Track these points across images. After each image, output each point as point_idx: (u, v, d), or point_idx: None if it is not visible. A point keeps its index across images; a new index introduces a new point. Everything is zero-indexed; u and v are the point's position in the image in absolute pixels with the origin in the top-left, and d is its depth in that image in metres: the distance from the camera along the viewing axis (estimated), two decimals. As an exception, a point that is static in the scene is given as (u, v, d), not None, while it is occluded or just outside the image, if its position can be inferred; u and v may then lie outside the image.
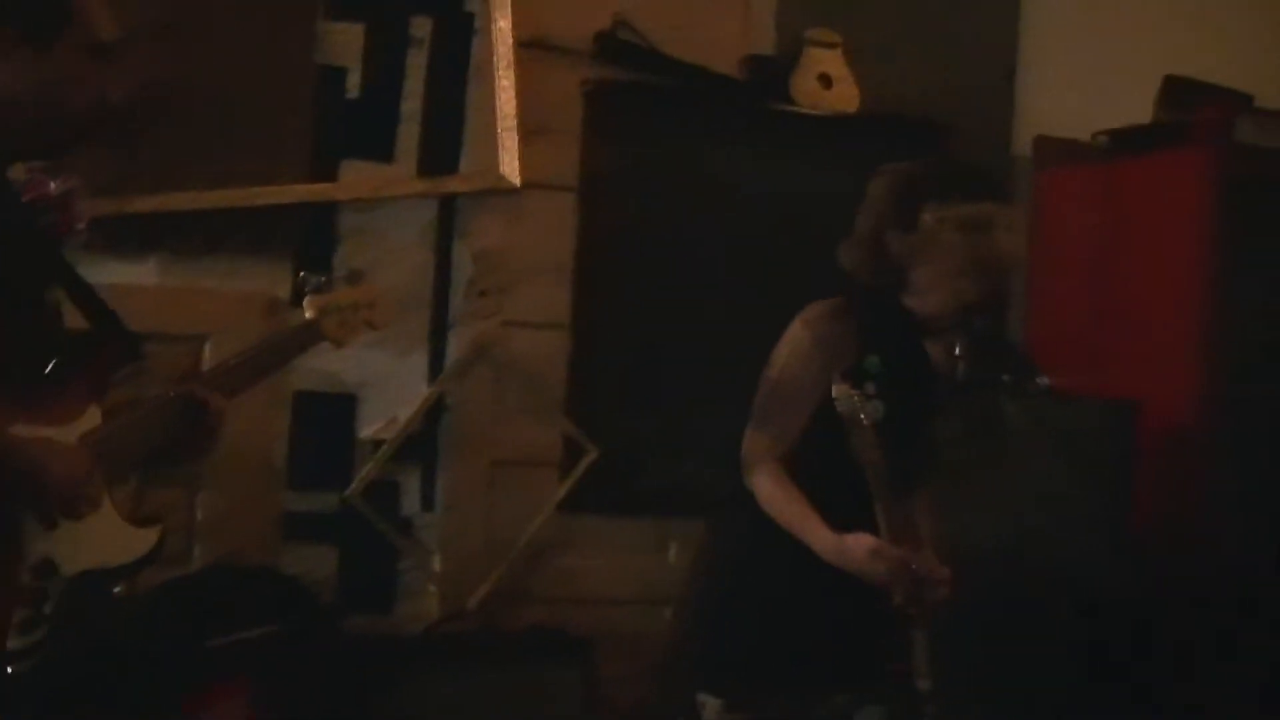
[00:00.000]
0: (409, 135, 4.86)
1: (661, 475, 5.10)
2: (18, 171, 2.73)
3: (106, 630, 3.19)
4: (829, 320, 3.31)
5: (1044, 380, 3.22)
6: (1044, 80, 5.73)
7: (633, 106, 5.09)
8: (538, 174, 4.94)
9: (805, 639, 3.29)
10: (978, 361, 3.30)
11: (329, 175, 4.77)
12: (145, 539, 2.75)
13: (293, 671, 4.23)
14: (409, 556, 4.84)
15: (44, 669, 2.55)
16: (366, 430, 4.81)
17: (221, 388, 2.83)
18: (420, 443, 4.87)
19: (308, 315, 3.11)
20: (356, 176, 4.80)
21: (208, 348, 4.51)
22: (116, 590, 2.83)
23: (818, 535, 3.19)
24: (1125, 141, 5.33)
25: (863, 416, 3.06)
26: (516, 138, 4.87)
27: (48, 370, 2.59)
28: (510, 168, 4.87)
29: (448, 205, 4.91)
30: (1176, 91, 5.29)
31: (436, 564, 4.88)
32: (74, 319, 2.72)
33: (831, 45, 5.28)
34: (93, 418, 2.66)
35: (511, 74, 4.86)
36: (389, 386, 4.82)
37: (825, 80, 5.27)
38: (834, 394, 3.09)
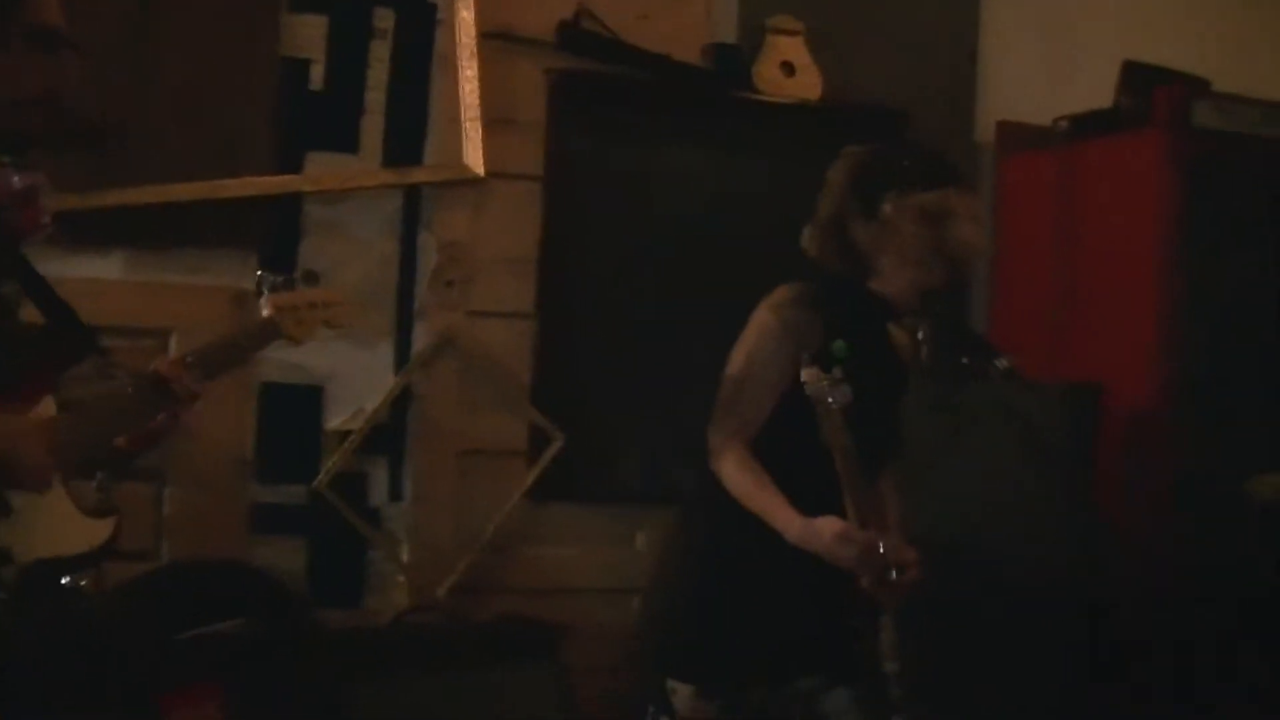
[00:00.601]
0: (373, 126, 4.86)
1: (629, 463, 5.13)
2: (-19, 168, 2.74)
3: (75, 625, 3.19)
4: (794, 305, 3.32)
5: (1004, 363, 3.23)
6: (1005, 66, 5.76)
7: (596, 96, 5.10)
8: (502, 164, 4.95)
9: (774, 623, 3.30)
10: (940, 345, 3.31)
11: (294, 167, 4.76)
12: (101, 529, 2.77)
13: (263, 664, 4.22)
14: (378, 547, 4.85)
15: (9, 665, 2.56)
16: (334, 421, 4.82)
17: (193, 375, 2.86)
18: (387, 433, 4.88)
19: (265, 313, 3.16)
20: (321, 168, 4.80)
21: (173, 342, 4.51)
22: (72, 580, 2.84)
23: (785, 519, 3.20)
24: (1086, 126, 5.35)
25: (830, 400, 3.07)
26: (481, 128, 4.87)
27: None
28: (475, 158, 4.88)
29: (413, 196, 4.91)
30: (1136, 76, 5.31)
31: (405, 554, 4.89)
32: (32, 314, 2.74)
33: (794, 33, 5.30)
34: (47, 408, 2.68)
35: (475, 64, 4.87)
36: (356, 378, 4.83)
37: (788, 68, 5.29)
38: (803, 377, 3.10)
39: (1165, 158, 4.98)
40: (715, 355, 3.41)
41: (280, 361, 4.62)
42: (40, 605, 2.71)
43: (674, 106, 5.23)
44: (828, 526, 3.15)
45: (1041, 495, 4.50)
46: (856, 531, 3.15)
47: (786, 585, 3.26)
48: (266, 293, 3.19)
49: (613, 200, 5.14)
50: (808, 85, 5.31)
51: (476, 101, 4.86)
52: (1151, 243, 4.96)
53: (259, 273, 3.26)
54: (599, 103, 5.10)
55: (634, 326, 5.14)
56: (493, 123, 4.91)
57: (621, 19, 5.12)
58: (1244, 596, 4.76)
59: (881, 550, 3.18)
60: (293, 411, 4.77)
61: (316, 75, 4.81)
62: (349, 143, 4.84)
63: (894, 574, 3.21)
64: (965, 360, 3.33)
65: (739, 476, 3.27)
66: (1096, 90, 5.39)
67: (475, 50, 4.87)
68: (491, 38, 4.93)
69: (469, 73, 4.87)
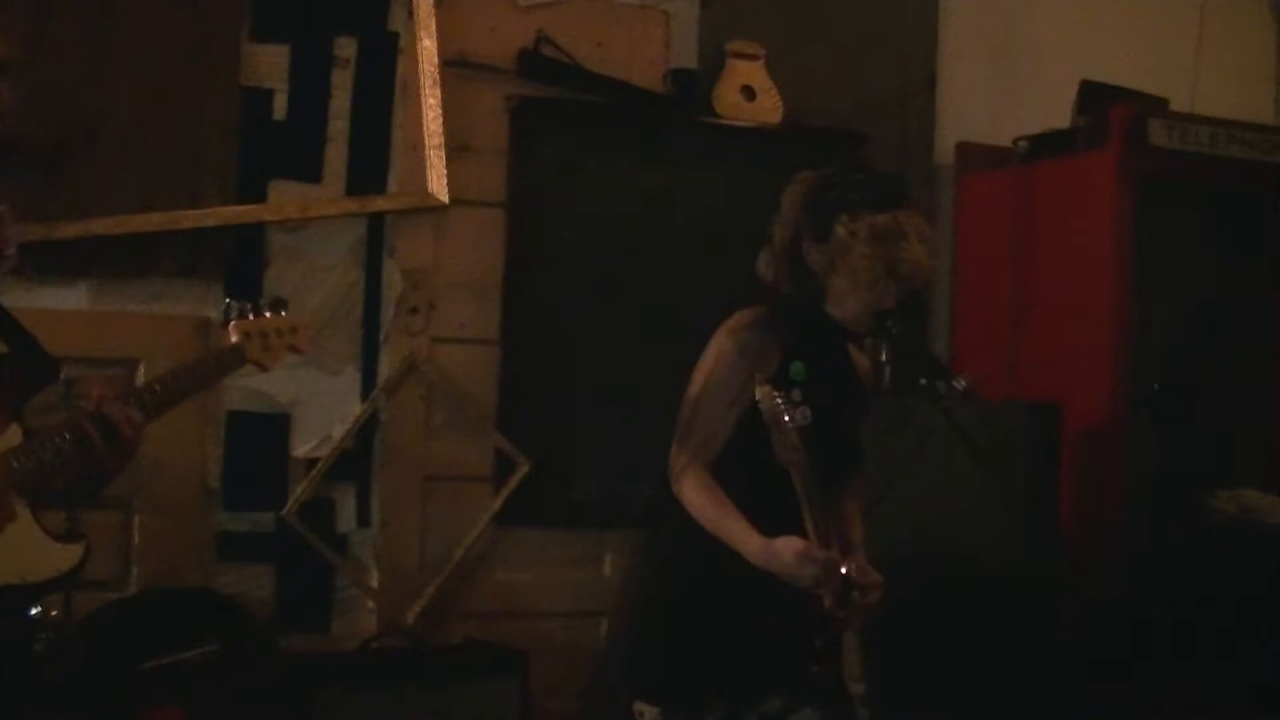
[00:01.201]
0: (336, 155, 4.89)
1: (594, 487, 5.14)
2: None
3: (43, 653, 3.20)
4: (752, 329, 3.34)
5: (962, 384, 3.26)
6: (964, 88, 5.81)
7: (557, 122, 5.13)
8: (465, 191, 4.98)
9: (739, 644, 3.31)
10: (899, 367, 3.34)
11: (257, 196, 4.78)
12: (68, 555, 2.78)
13: (231, 691, 4.23)
14: (345, 573, 4.86)
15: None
16: (300, 449, 4.82)
17: (144, 407, 2.86)
18: (354, 460, 4.89)
19: (232, 340, 3.17)
20: (285, 197, 4.81)
21: (140, 371, 4.52)
22: (41, 609, 2.85)
23: (746, 541, 3.21)
24: (1044, 146, 5.40)
25: (788, 419, 3.09)
26: (443, 155, 4.90)
27: None
28: (438, 185, 4.90)
29: (376, 223, 4.93)
30: (1093, 96, 5.36)
31: (373, 580, 4.90)
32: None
33: (754, 57, 5.34)
34: (13, 436, 2.70)
35: (437, 92, 4.89)
36: (322, 405, 4.84)
37: (748, 92, 5.32)
38: (757, 397, 3.12)
39: (1120, 176, 5.02)
40: (679, 378, 3.42)
41: (247, 389, 4.65)
42: (4, 632, 2.72)
43: (635, 132, 5.26)
44: (788, 547, 3.16)
45: (1002, 514, 4.53)
46: (817, 551, 3.15)
47: (750, 606, 3.27)
48: (233, 319, 3.21)
49: (575, 226, 5.16)
50: (768, 109, 5.34)
51: (439, 129, 4.89)
52: (1107, 260, 5.00)
53: (226, 300, 3.27)
54: (560, 129, 5.13)
55: (598, 351, 5.16)
56: (455, 150, 4.94)
57: (581, 45, 5.15)
58: (1202, 609, 4.80)
59: (843, 570, 3.20)
60: (259, 439, 4.78)
61: (279, 104, 4.83)
62: (312, 171, 4.86)
63: (856, 594, 3.23)
64: (924, 381, 3.34)
65: (699, 499, 3.28)
66: (1054, 110, 5.43)
67: (437, 78, 4.89)
68: (453, 65, 4.96)
69: (431, 100, 4.89)
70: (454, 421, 5.00)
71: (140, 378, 4.48)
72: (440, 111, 4.89)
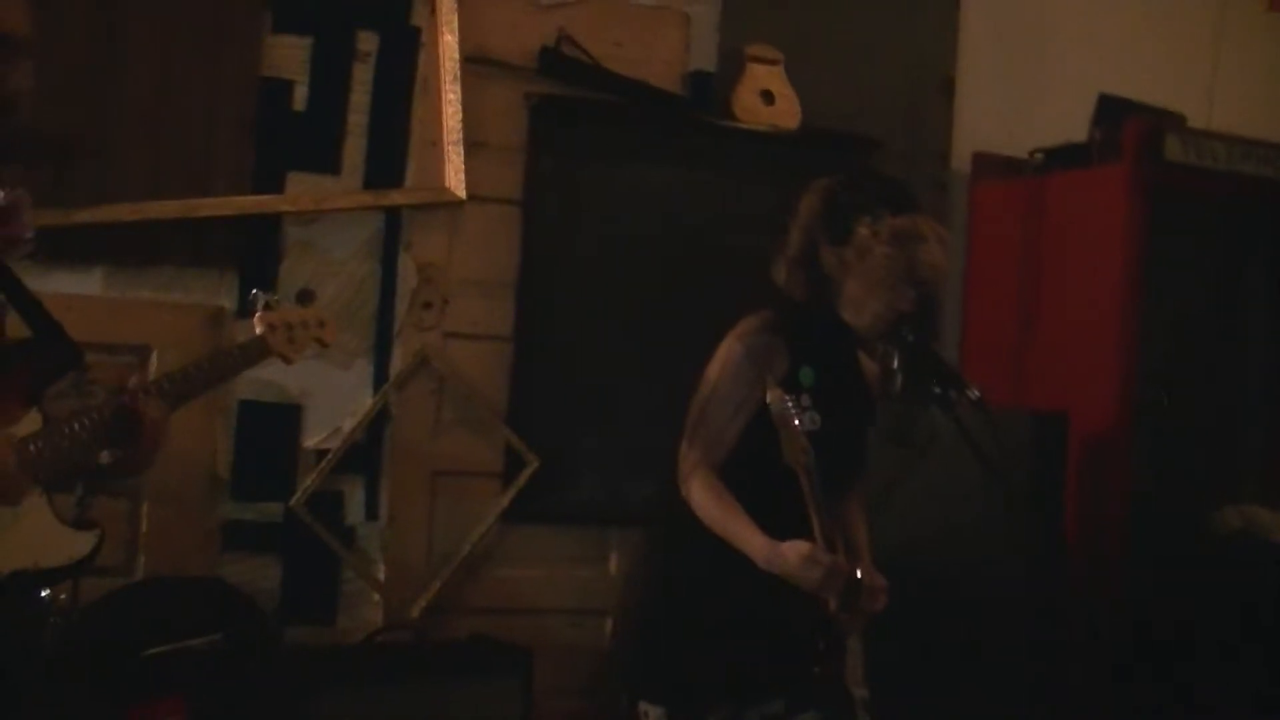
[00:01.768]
0: (354, 148, 4.89)
1: (602, 486, 5.15)
2: (-37, 186, 2.76)
3: (49, 639, 3.21)
4: (762, 334, 3.35)
5: (974, 393, 3.27)
6: (981, 98, 5.81)
7: (576, 121, 5.14)
8: (482, 187, 4.99)
9: (744, 647, 3.32)
10: (910, 373, 3.35)
11: (274, 187, 4.79)
12: (82, 542, 2.78)
13: (234, 681, 4.24)
14: (352, 566, 4.86)
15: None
16: (310, 440, 4.84)
17: (166, 397, 2.86)
18: (364, 453, 4.90)
19: (257, 331, 3.15)
20: (302, 188, 4.82)
21: (153, 358, 4.53)
22: (50, 593, 2.85)
23: (753, 543, 3.23)
24: (1060, 158, 5.41)
25: (797, 423, 3.10)
26: (461, 151, 4.91)
27: None
28: (455, 181, 4.91)
29: (393, 217, 4.94)
30: (1110, 110, 5.37)
31: (379, 573, 4.91)
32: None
33: (772, 62, 5.35)
34: (33, 422, 2.70)
35: (456, 88, 4.90)
36: (333, 397, 4.85)
37: (766, 96, 5.33)
38: (768, 400, 3.13)
39: (1134, 190, 5.03)
40: (689, 379, 3.44)
41: (258, 380, 4.65)
42: (14, 617, 2.73)
43: (652, 133, 5.27)
44: (794, 550, 3.18)
45: (1008, 522, 4.53)
46: (823, 554, 3.17)
47: (755, 608, 3.28)
48: (259, 310, 3.19)
49: (590, 225, 5.17)
50: (786, 113, 5.35)
51: (457, 125, 4.90)
52: (1118, 273, 5.01)
53: (252, 291, 3.26)
54: (578, 128, 5.14)
55: (610, 350, 5.17)
56: (473, 146, 4.94)
57: (602, 45, 5.16)
58: (1205, 620, 4.80)
59: (850, 574, 3.22)
60: (270, 430, 4.79)
61: (299, 96, 4.84)
62: (330, 164, 4.87)
63: (861, 598, 3.24)
64: (938, 390, 3.35)
65: (706, 501, 3.30)
66: (1070, 122, 5.44)
67: (457, 74, 4.90)
68: (473, 62, 4.97)
69: (450, 96, 4.90)
70: (464, 417, 5.01)
71: (153, 365, 4.50)
72: (459, 107, 4.91)
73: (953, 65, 5.77)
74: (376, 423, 4.90)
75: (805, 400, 3.13)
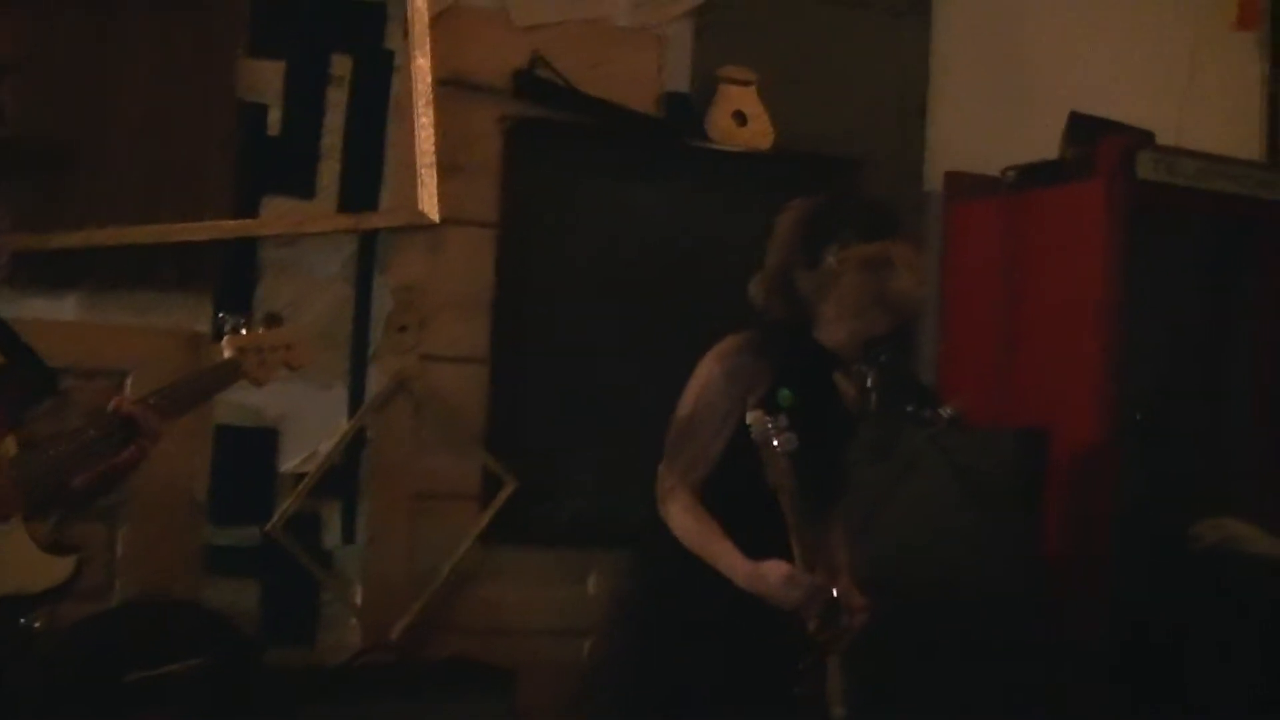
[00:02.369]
0: (329, 171, 4.89)
1: (580, 507, 5.14)
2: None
3: (28, 665, 3.20)
4: (740, 354, 3.37)
5: (950, 411, 3.28)
6: (954, 117, 5.83)
7: (550, 143, 5.14)
8: (457, 210, 4.98)
9: (724, 667, 3.33)
10: (885, 393, 3.36)
11: (250, 211, 4.78)
12: (62, 567, 2.78)
13: (215, 705, 4.23)
14: (330, 589, 4.86)
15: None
16: (288, 464, 4.83)
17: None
18: (341, 476, 4.89)
19: (226, 354, 3.17)
20: (277, 212, 4.82)
21: (129, 383, 4.52)
22: (29, 620, 2.85)
23: (732, 563, 3.24)
24: (1032, 176, 5.43)
25: (776, 444, 3.12)
26: (436, 174, 4.90)
27: None
28: (430, 204, 4.91)
29: (368, 241, 4.94)
30: (1082, 128, 5.40)
31: (358, 596, 4.90)
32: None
33: (746, 83, 5.36)
34: (8, 448, 2.70)
35: (431, 111, 4.90)
36: (310, 420, 4.84)
37: (740, 117, 5.34)
38: (748, 420, 3.15)
39: (1108, 207, 5.05)
40: (667, 399, 3.45)
41: (235, 404, 4.65)
42: (4, 642, 2.73)
43: (627, 154, 5.27)
44: (774, 570, 3.19)
45: (988, 540, 4.55)
46: (803, 575, 3.19)
47: (734, 628, 3.29)
48: (227, 334, 3.20)
49: (566, 247, 5.18)
50: (760, 134, 5.37)
51: (432, 148, 4.89)
52: (1095, 290, 5.03)
53: (219, 314, 3.27)
54: (553, 150, 5.14)
55: (587, 372, 5.17)
56: (448, 169, 4.94)
57: (576, 67, 5.17)
58: (1185, 638, 4.82)
59: (829, 594, 3.23)
60: (247, 453, 4.78)
61: (274, 120, 4.84)
62: (305, 187, 4.86)
63: (842, 617, 3.25)
64: (911, 409, 3.37)
65: (686, 522, 3.31)
66: (1043, 141, 5.47)
67: (431, 97, 4.90)
68: (447, 85, 4.97)
69: (425, 119, 4.90)
70: (442, 439, 5.00)
71: (128, 390, 4.48)
72: (434, 130, 4.90)
73: (925, 85, 5.79)
74: (354, 445, 4.90)
75: (784, 421, 3.15)
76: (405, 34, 4.92)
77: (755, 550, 3.23)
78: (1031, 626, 4.63)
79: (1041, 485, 4.73)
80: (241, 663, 4.41)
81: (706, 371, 3.39)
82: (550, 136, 5.14)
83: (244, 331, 3.22)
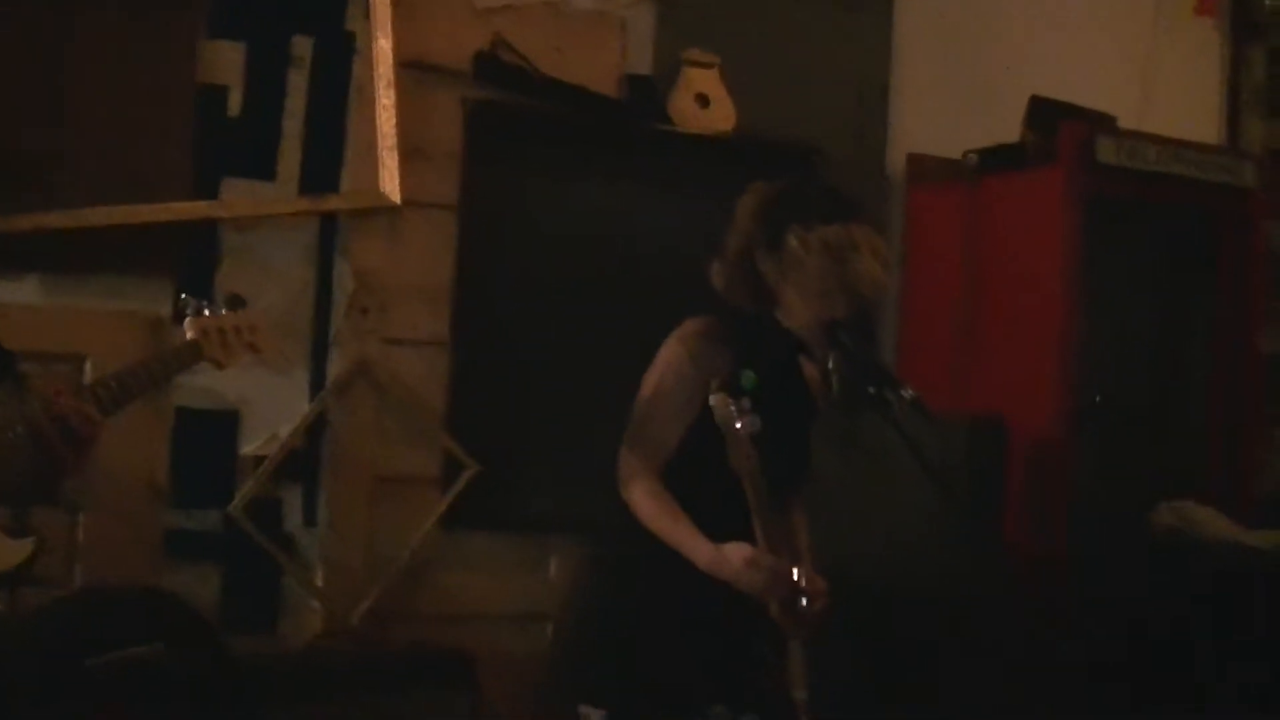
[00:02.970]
0: (290, 154, 4.87)
1: (541, 492, 5.15)
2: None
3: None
4: (703, 337, 3.36)
5: (910, 394, 3.29)
6: (916, 101, 5.85)
7: (512, 126, 5.13)
8: (418, 193, 4.97)
9: (684, 650, 3.33)
10: (846, 376, 3.36)
11: (210, 193, 4.77)
12: (19, 550, 2.77)
13: (175, 690, 4.21)
14: (291, 573, 4.85)
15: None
16: (248, 447, 4.82)
17: (101, 402, 2.84)
18: (302, 460, 4.88)
19: (189, 336, 3.14)
20: (238, 195, 4.80)
21: (88, 366, 4.50)
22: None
23: (694, 547, 3.24)
24: (994, 160, 5.45)
25: (739, 427, 3.12)
26: (397, 157, 4.89)
27: None
28: (391, 186, 4.89)
29: (329, 224, 4.93)
30: (1042, 112, 5.42)
31: (319, 580, 4.89)
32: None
33: (708, 65, 5.36)
34: None
35: (392, 93, 4.89)
36: (270, 404, 4.83)
37: (702, 100, 5.35)
38: (711, 403, 3.14)
39: (1069, 192, 5.08)
40: (628, 384, 3.44)
41: (195, 387, 4.63)
42: None
43: (589, 137, 5.27)
44: (737, 553, 3.19)
45: (947, 526, 4.56)
46: (766, 557, 3.19)
47: (696, 612, 3.29)
48: (189, 316, 3.18)
49: (527, 230, 5.17)
50: (722, 118, 5.37)
51: (393, 130, 4.88)
52: (1055, 275, 5.05)
53: (182, 296, 3.24)
54: (514, 133, 5.14)
55: (548, 356, 5.17)
56: (409, 151, 4.93)
57: (538, 50, 5.16)
58: (1141, 623, 4.85)
59: (792, 577, 3.23)
60: (207, 437, 4.77)
61: (234, 102, 4.82)
62: (266, 170, 4.85)
63: (803, 602, 3.26)
64: (872, 390, 3.37)
65: (648, 505, 3.31)
66: (1005, 125, 5.49)
67: (392, 80, 4.89)
68: (409, 67, 4.96)
69: (386, 102, 4.89)
70: (403, 423, 5.00)
71: (88, 374, 4.46)
72: (394, 113, 4.89)
73: (888, 70, 5.80)
74: (315, 429, 4.89)
75: (746, 404, 3.14)
76: (367, 16, 4.91)
77: (718, 533, 3.23)
78: (992, 612, 4.64)
79: (1001, 471, 4.74)
80: (202, 647, 4.39)
81: (668, 355, 3.38)
82: (512, 119, 5.14)
83: (207, 313, 3.19)
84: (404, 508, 4.99)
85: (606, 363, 4.75)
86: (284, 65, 4.88)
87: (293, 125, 4.88)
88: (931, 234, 5.62)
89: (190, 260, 4.73)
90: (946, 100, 5.84)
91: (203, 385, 4.64)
